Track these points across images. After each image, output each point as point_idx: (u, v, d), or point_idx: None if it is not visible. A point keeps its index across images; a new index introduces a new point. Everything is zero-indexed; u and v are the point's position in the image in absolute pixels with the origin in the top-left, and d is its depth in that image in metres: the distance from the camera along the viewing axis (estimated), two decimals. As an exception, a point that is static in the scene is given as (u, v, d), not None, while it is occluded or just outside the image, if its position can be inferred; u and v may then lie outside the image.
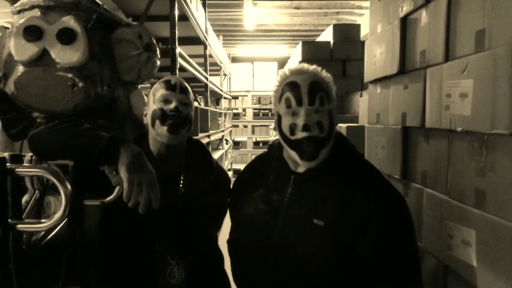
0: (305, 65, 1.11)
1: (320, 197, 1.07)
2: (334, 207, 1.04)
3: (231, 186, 1.37)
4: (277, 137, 1.13)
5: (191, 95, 1.33)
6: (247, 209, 1.18)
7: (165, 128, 1.21)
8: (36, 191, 1.15)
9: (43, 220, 0.97)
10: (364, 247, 1.00)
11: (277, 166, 1.17)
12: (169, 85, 1.27)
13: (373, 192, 1.04)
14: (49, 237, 1.14)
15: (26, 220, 1.06)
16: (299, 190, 1.10)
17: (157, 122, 1.23)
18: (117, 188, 1.04)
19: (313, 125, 1.02)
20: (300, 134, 1.02)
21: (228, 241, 1.24)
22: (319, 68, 1.11)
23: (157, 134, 1.24)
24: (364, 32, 5.05)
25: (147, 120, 1.28)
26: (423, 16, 1.54)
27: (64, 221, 0.98)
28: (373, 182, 1.08)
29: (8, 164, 0.99)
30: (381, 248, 1.00)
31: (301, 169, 1.11)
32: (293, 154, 1.06)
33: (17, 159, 1.07)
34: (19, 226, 0.98)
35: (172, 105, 1.23)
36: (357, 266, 1.02)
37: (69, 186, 0.94)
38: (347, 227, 1.02)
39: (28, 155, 1.09)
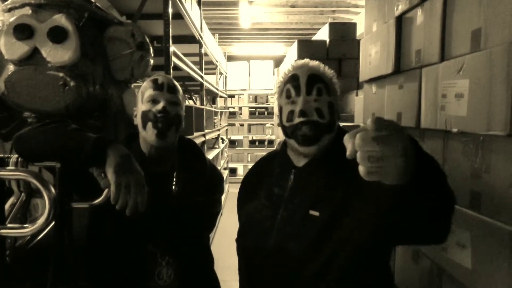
0: (307, 60, 1.13)
1: (319, 190, 1.05)
2: (332, 200, 1.02)
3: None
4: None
5: (180, 94, 1.31)
6: (250, 205, 1.18)
7: (155, 132, 1.20)
8: (22, 194, 1.13)
9: (26, 225, 0.94)
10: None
11: (281, 161, 1.17)
12: (156, 85, 1.25)
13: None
14: (36, 241, 1.11)
15: (9, 225, 1.03)
16: (299, 184, 1.09)
17: (147, 124, 1.22)
18: (105, 191, 1.02)
19: (310, 111, 1.03)
20: (296, 120, 1.03)
21: (236, 240, 1.21)
22: (322, 65, 1.12)
23: (146, 136, 1.23)
24: (360, 31, 5.04)
25: (137, 121, 1.26)
26: (419, 15, 1.53)
27: (51, 225, 0.95)
28: None
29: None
30: None
31: (302, 163, 1.10)
32: (293, 143, 1.06)
33: (0, 161, 1.03)
34: (1, 231, 0.95)
35: (160, 106, 1.22)
36: (355, 265, 0.98)
37: (53, 190, 0.92)
38: (344, 221, 0.98)
39: (14, 156, 1.06)
